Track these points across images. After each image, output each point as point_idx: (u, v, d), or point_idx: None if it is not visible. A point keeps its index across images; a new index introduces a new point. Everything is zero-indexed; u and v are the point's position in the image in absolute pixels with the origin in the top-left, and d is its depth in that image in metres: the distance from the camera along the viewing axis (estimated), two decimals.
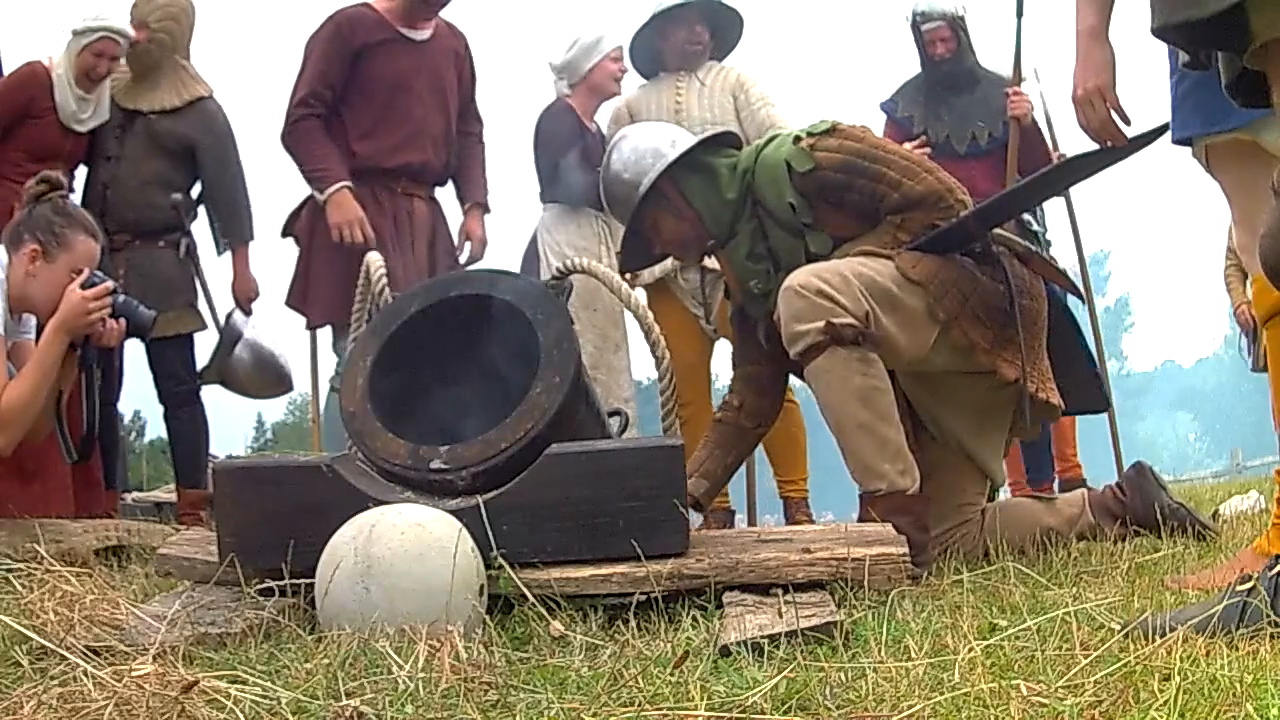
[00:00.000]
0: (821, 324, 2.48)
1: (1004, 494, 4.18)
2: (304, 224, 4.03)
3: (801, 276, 2.54)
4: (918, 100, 4.39)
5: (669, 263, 3.84)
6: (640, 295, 3.79)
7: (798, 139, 2.73)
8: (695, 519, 2.98)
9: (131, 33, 4.13)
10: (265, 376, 4.42)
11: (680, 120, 3.94)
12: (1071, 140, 5.18)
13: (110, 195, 4.23)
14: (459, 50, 4.19)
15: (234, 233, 4.35)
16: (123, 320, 3.08)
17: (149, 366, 4.26)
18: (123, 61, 4.18)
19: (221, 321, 4.35)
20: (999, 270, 2.69)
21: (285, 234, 4.18)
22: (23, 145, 4.09)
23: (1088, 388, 2.98)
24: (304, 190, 4.06)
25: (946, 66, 4.31)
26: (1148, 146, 2.56)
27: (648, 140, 2.92)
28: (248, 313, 4.40)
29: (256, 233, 4.41)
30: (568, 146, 4.16)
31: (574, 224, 4.21)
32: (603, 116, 4.35)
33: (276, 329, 4.47)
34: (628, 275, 3.68)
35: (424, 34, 4.06)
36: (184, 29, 4.32)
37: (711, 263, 3.52)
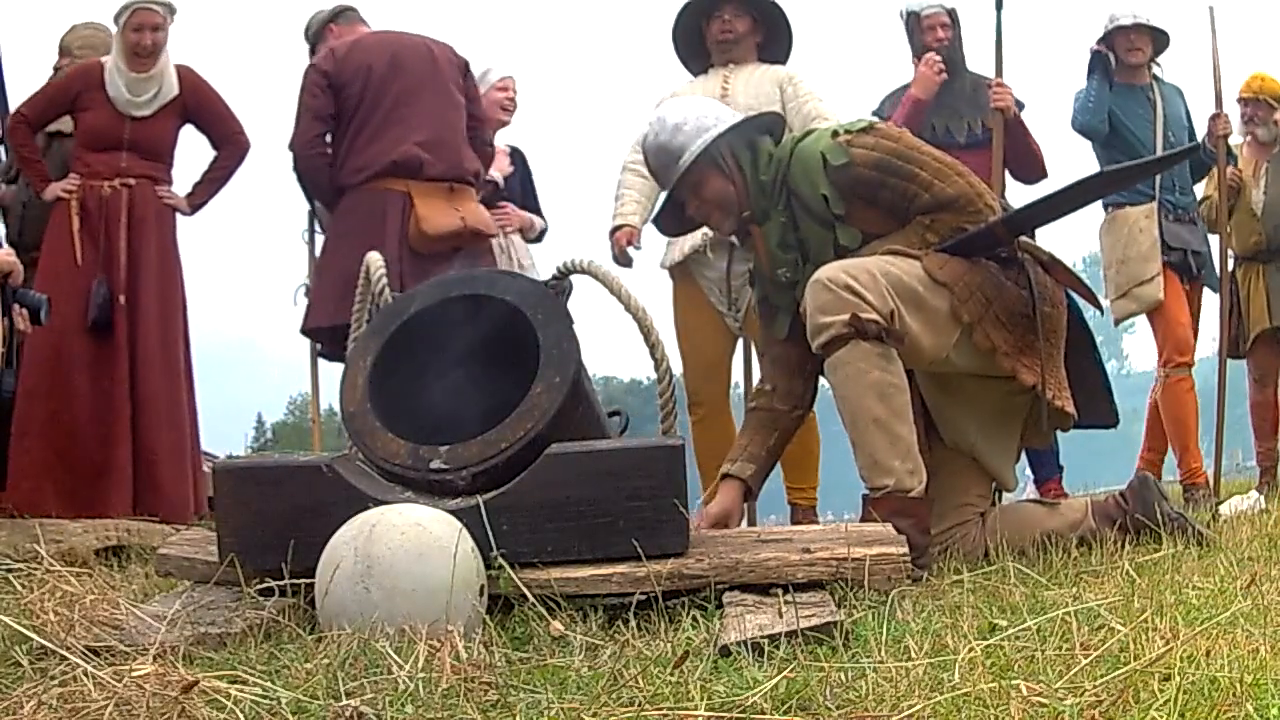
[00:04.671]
0: (847, 316, 2.50)
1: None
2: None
3: (829, 271, 2.57)
4: (894, 104, 4.38)
5: (698, 238, 3.85)
6: (644, 293, 3.78)
7: (835, 134, 2.75)
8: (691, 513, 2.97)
9: (174, 3, 4.17)
10: None
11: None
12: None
13: (27, 215, 4.36)
14: None
15: None
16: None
17: None
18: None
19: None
20: (1023, 276, 2.71)
21: None
22: (81, 138, 4.19)
23: (1099, 401, 2.99)
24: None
25: (944, 53, 4.31)
26: (1181, 162, 2.58)
27: (702, 106, 2.94)
28: None
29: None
30: None
31: None
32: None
33: None
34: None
35: None
36: (102, 55, 4.39)
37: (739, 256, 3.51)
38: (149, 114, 4.16)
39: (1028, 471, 4.58)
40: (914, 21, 4.40)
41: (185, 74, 4.26)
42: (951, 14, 4.33)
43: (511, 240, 4.42)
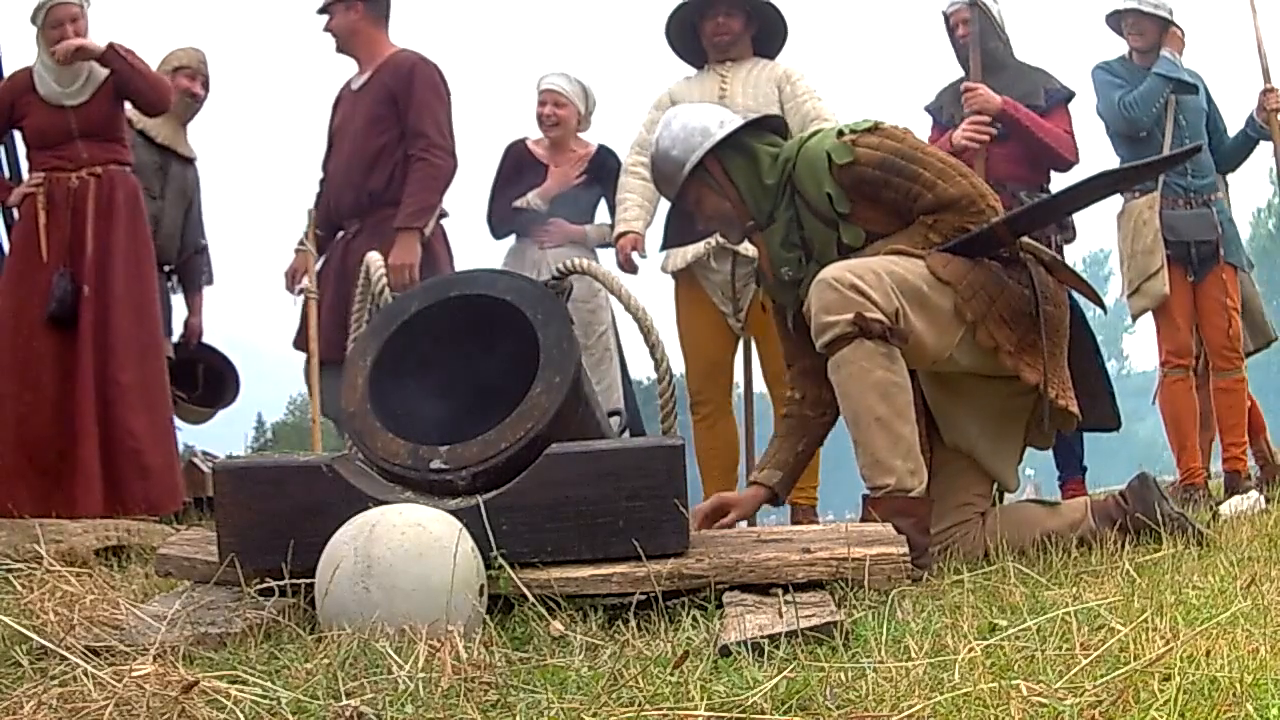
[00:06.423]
0: (851, 315, 2.52)
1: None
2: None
3: (834, 270, 2.58)
4: (951, 95, 4.39)
5: (701, 246, 3.88)
6: (645, 294, 3.78)
7: (841, 133, 2.77)
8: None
9: None
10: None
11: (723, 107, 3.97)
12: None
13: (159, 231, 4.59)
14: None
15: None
16: None
17: None
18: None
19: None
20: (1025, 276, 2.72)
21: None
22: (32, 142, 4.24)
23: (1102, 403, 2.99)
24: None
25: (970, 48, 4.29)
26: (1184, 161, 2.57)
27: (698, 119, 2.94)
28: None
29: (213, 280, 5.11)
30: (502, 185, 4.56)
31: (518, 256, 4.46)
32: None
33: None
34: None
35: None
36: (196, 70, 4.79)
37: (744, 250, 3.56)
38: (86, 99, 4.13)
39: (1028, 471, 4.58)
40: (946, 19, 4.40)
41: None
42: (973, 5, 4.27)
43: (545, 254, 4.36)
